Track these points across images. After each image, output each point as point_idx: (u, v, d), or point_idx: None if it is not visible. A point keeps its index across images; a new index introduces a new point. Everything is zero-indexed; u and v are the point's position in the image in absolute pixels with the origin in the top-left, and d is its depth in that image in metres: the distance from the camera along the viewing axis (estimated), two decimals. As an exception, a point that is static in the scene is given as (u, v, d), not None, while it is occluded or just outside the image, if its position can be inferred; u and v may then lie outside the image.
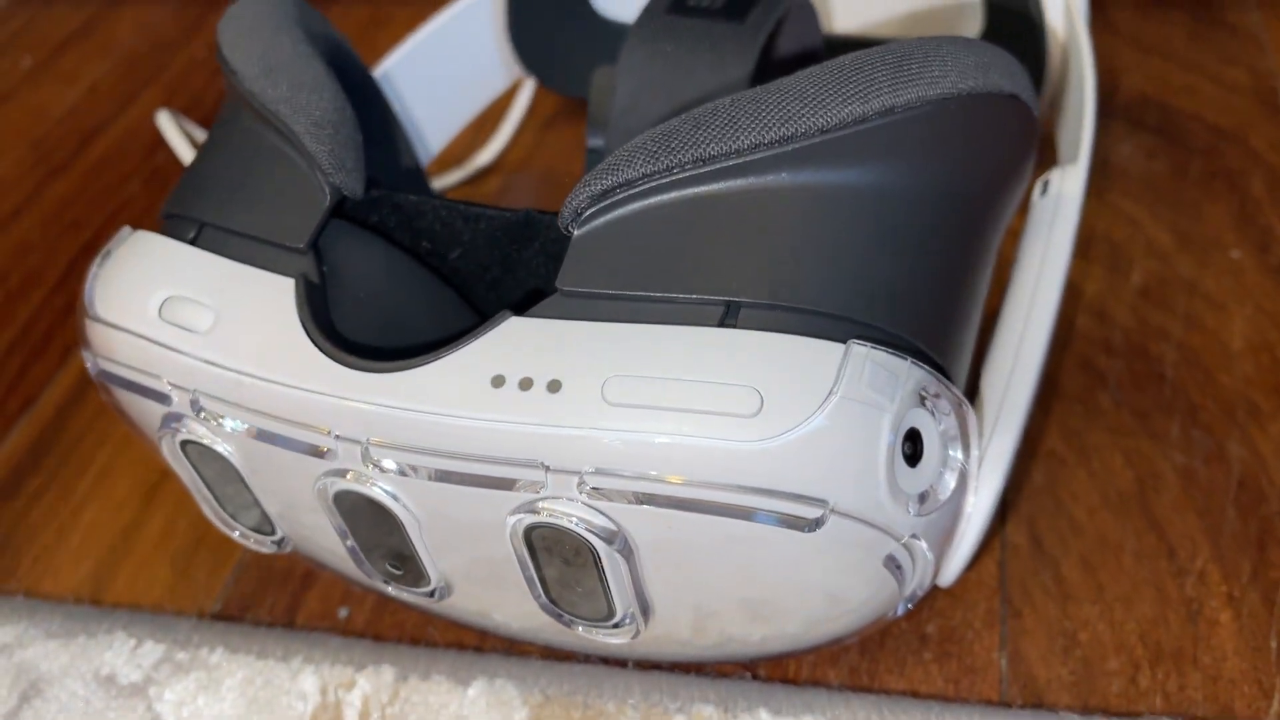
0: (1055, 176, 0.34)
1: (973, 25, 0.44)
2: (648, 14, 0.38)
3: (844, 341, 0.24)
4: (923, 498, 0.25)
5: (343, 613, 0.33)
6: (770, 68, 0.44)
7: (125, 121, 0.55)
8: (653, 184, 0.25)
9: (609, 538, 0.24)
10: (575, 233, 0.25)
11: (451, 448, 0.24)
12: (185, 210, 0.29)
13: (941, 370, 0.26)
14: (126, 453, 0.39)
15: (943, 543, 0.26)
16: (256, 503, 0.29)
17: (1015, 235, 0.34)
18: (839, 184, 0.25)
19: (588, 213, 0.25)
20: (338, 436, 0.25)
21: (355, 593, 0.34)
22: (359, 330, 0.28)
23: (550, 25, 0.46)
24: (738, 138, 0.25)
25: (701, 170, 0.25)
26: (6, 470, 0.39)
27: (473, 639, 0.32)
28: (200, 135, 0.43)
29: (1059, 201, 0.33)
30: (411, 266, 0.31)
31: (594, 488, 0.24)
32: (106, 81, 0.58)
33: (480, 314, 0.32)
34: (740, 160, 0.25)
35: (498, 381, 0.24)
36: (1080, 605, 0.32)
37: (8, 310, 0.46)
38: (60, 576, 0.36)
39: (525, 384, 0.24)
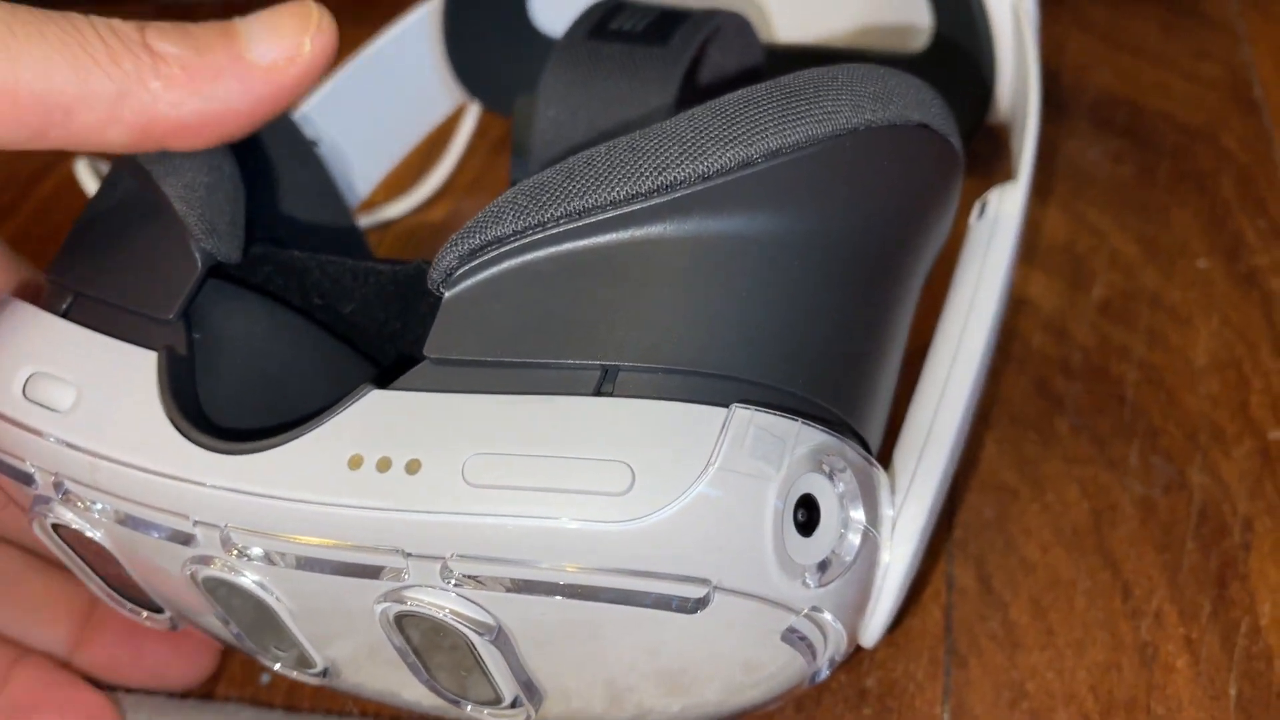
0: (994, 197, 0.33)
1: (920, 35, 0.42)
2: (568, 40, 0.36)
3: (727, 405, 0.22)
4: (823, 566, 0.23)
5: (265, 679, 0.32)
6: (701, 90, 0.43)
7: (57, 174, 0.54)
8: (525, 240, 0.23)
9: (480, 628, 0.23)
10: (445, 294, 0.24)
11: (311, 534, 0.23)
12: (61, 277, 0.27)
13: (847, 426, 0.25)
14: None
15: (854, 607, 0.25)
16: (137, 584, 0.28)
17: (950, 261, 0.32)
18: (723, 233, 0.23)
19: (458, 273, 0.24)
20: (197, 522, 0.24)
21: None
22: (240, 400, 0.26)
23: (491, 46, 0.45)
24: (613, 188, 0.23)
25: (576, 224, 0.23)
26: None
27: (391, 709, 0.31)
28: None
29: (995, 225, 0.32)
30: (299, 324, 0.30)
31: (462, 574, 0.22)
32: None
33: (379, 368, 0.31)
34: (617, 212, 0.23)
35: (355, 462, 0.23)
36: (1029, 653, 0.30)
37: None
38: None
39: (383, 464, 0.22)
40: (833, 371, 0.25)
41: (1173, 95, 0.46)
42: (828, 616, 0.24)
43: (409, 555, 0.22)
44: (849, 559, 0.24)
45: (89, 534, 0.26)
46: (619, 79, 0.35)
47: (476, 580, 0.22)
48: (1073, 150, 0.44)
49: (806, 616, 0.23)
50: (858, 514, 0.24)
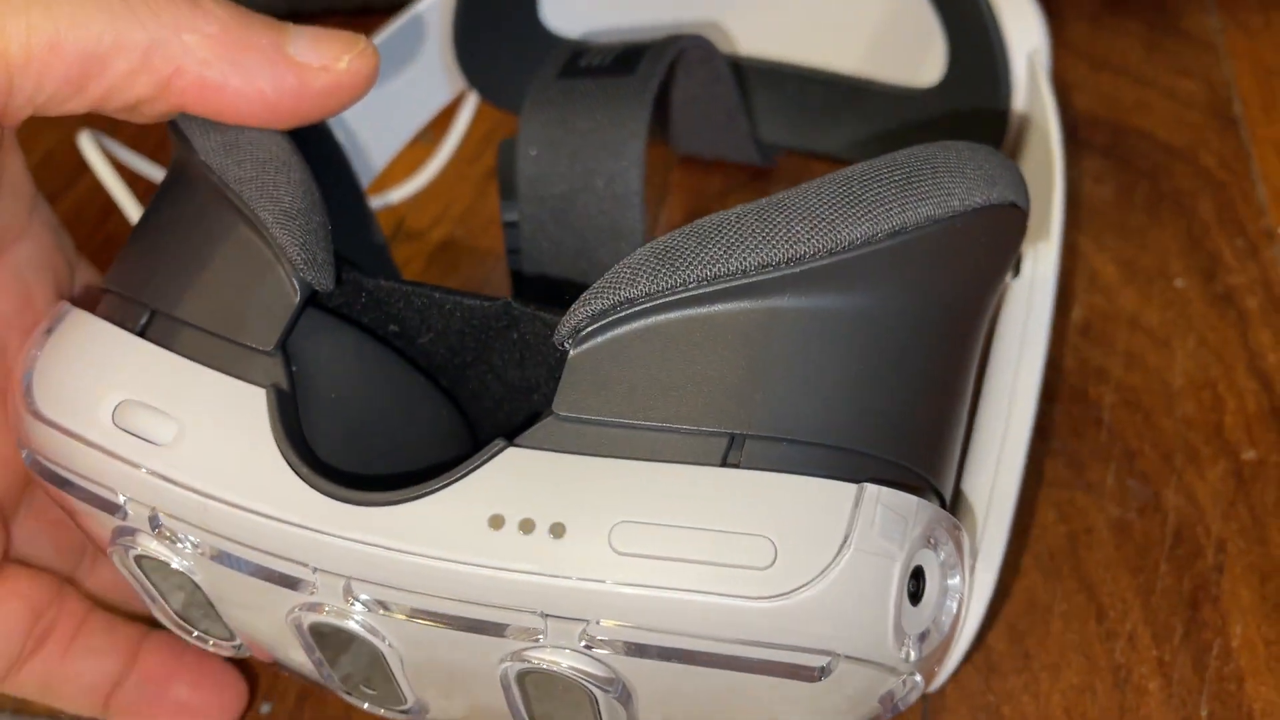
0: (1028, 257, 0.34)
1: (930, 70, 0.42)
2: (540, 82, 0.37)
3: (854, 480, 0.23)
4: (923, 635, 0.24)
5: (265, 708, 0.33)
6: (672, 112, 0.44)
7: (80, 189, 0.55)
8: (655, 302, 0.24)
9: (608, 686, 0.23)
10: (572, 352, 0.24)
11: (443, 591, 0.23)
12: (133, 291, 0.27)
13: (934, 489, 0.26)
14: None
15: (937, 664, 0.26)
16: (219, 615, 0.28)
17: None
18: (844, 308, 0.24)
19: (586, 330, 0.24)
20: (317, 570, 0.24)
21: (279, 683, 0.34)
22: (329, 436, 0.26)
23: (498, 41, 0.45)
24: (744, 257, 0.24)
25: (705, 290, 0.24)
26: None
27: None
28: (128, 158, 0.42)
29: (1032, 290, 0.33)
30: (385, 357, 0.30)
31: (601, 638, 0.23)
32: (60, 150, 0.58)
33: (450, 398, 0.31)
34: (746, 280, 0.24)
35: (496, 522, 0.23)
36: (1005, 677, 0.31)
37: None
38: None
39: (526, 526, 0.23)
40: (928, 439, 0.25)
41: (1153, 114, 0.46)
42: (918, 678, 0.24)
43: (547, 617, 0.23)
44: (945, 627, 0.25)
45: (178, 565, 0.26)
46: (594, 111, 0.36)
47: (609, 644, 0.23)
48: (1054, 171, 0.45)
49: (903, 680, 0.24)
50: (954, 581, 0.25)
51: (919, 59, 0.43)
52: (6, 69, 0.25)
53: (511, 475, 0.23)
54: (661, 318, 0.24)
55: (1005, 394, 0.31)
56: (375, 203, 0.43)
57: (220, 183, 0.26)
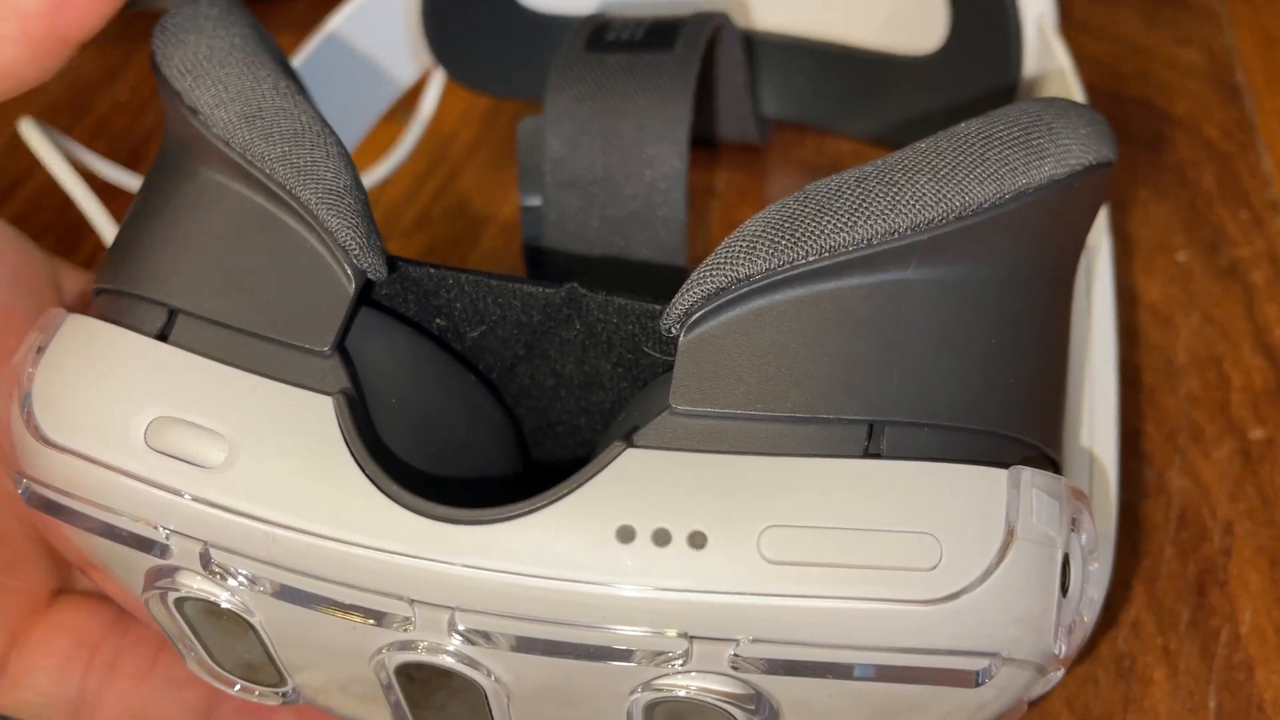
0: None
1: (930, 34, 0.41)
2: (566, 55, 0.35)
3: (1001, 465, 0.21)
4: (1070, 628, 0.22)
5: None
6: (701, 95, 0.42)
7: (43, 174, 0.54)
8: (776, 278, 0.21)
9: (755, 709, 0.21)
10: (684, 338, 0.21)
11: (570, 616, 0.20)
12: (142, 288, 0.23)
13: (1058, 467, 0.24)
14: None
15: (1071, 659, 0.23)
16: (273, 660, 0.24)
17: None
18: (970, 278, 0.22)
19: (699, 314, 0.21)
20: (414, 602, 0.21)
21: None
22: (398, 444, 0.23)
23: (469, 17, 0.43)
24: (869, 223, 0.21)
25: (828, 262, 0.21)
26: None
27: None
28: (75, 151, 0.40)
29: (1089, 252, 0.32)
30: (439, 356, 0.26)
31: (744, 656, 0.20)
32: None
33: (498, 399, 0.28)
34: (871, 250, 0.21)
35: (625, 535, 0.20)
36: (1003, 666, 0.30)
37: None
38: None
39: (661, 537, 0.20)
40: (1050, 413, 0.24)
41: (1154, 84, 0.45)
42: (1060, 673, 0.22)
43: (693, 639, 0.20)
44: (1088, 617, 0.23)
45: (229, 605, 0.22)
46: (631, 88, 0.33)
47: (757, 663, 0.20)
48: (1051, 143, 0.43)
49: (1049, 676, 0.22)
50: (1095, 568, 0.23)
51: (921, 24, 0.41)
52: None
53: (637, 480, 0.20)
54: (783, 295, 0.21)
55: (1083, 361, 0.29)
56: None
57: (244, 160, 0.23)
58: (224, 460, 0.21)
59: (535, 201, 0.35)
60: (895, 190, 0.22)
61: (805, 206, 0.22)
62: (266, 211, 0.23)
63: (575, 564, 0.20)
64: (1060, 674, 0.22)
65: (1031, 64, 0.38)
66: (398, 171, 0.46)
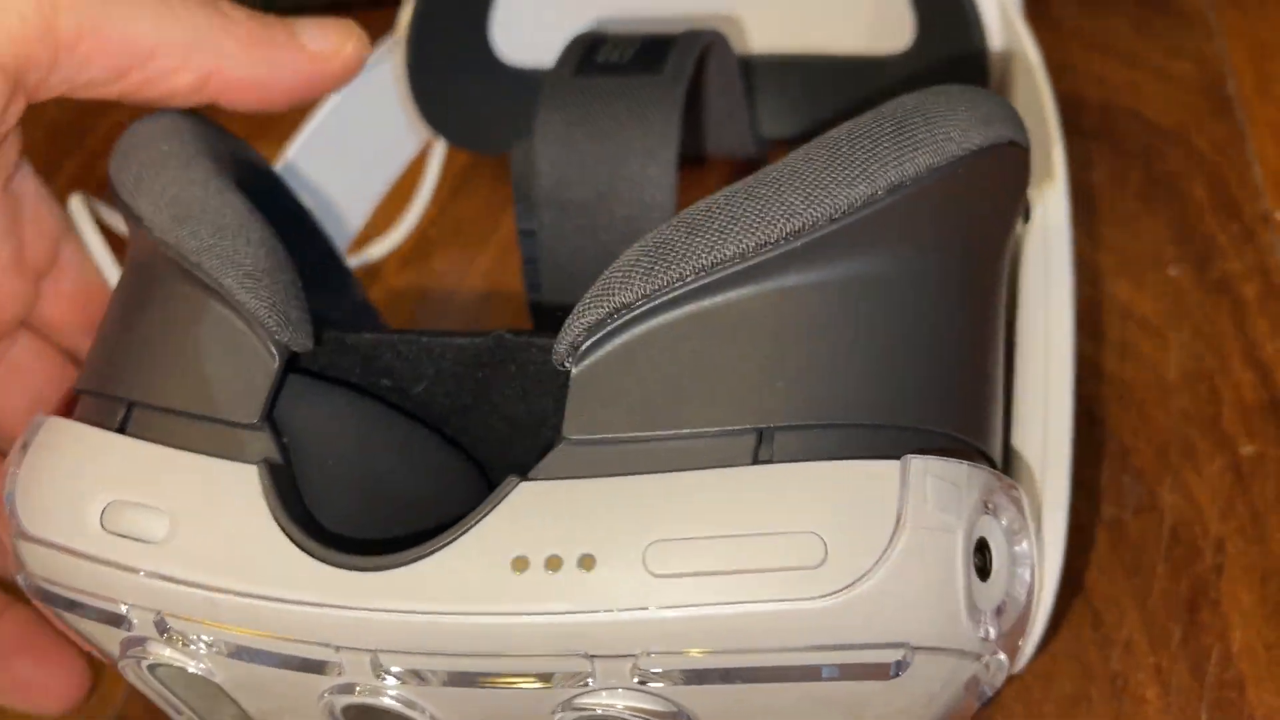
0: (1036, 201, 0.32)
1: (901, 31, 0.41)
2: (555, 79, 0.35)
3: (896, 457, 0.21)
4: (999, 609, 0.23)
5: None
6: (694, 112, 0.42)
7: (61, 180, 0.54)
8: (654, 303, 0.22)
9: None
10: (574, 370, 0.23)
11: (476, 648, 0.22)
12: (106, 388, 0.25)
13: (982, 454, 0.24)
14: None
15: (1018, 638, 0.24)
16: (245, 713, 0.26)
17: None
18: (854, 276, 0.23)
19: (585, 345, 0.23)
20: (340, 649, 0.22)
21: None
22: (334, 506, 0.24)
23: (454, 79, 0.44)
24: (740, 239, 0.22)
25: (705, 280, 0.22)
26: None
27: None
28: (117, 223, 0.41)
29: (1047, 233, 0.31)
30: (380, 412, 0.28)
31: (652, 670, 0.21)
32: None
33: (457, 446, 0.29)
34: (745, 264, 0.22)
35: (520, 564, 0.21)
36: (996, 687, 0.30)
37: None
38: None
39: (553, 564, 0.21)
40: (967, 401, 0.24)
41: (1144, 95, 0.45)
42: (1001, 657, 0.23)
43: (593, 658, 0.21)
44: (1021, 598, 0.23)
45: (194, 668, 0.24)
46: (619, 112, 0.34)
47: (664, 676, 0.21)
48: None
49: (985, 663, 0.23)
50: (1022, 548, 0.23)
51: (889, 24, 0.41)
52: (54, 45, 0.27)
53: (529, 512, 0.22)
54: (663, 318, 0.22)
55: (1039, 344, 0.29)
56: (354, 261, 0.42)
57: (178, 256, 0.25)
58: (166, 534, 0.23)
59: (530, 225, 0.35)
60: (763, 204, 0.22)
61: (678, 231, 0.23)
62: (200, 300, 0.25)
63: (474, 597, 0.21)
64: (1004, 659, 0.23)
65: (999, 46, 0.39)
66: (390, 194, 0.46)
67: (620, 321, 0.23)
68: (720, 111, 0.43)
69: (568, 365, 0.23)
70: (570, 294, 0.35)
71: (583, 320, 0.23)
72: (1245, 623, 0.30)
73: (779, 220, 0.22)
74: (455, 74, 0.44)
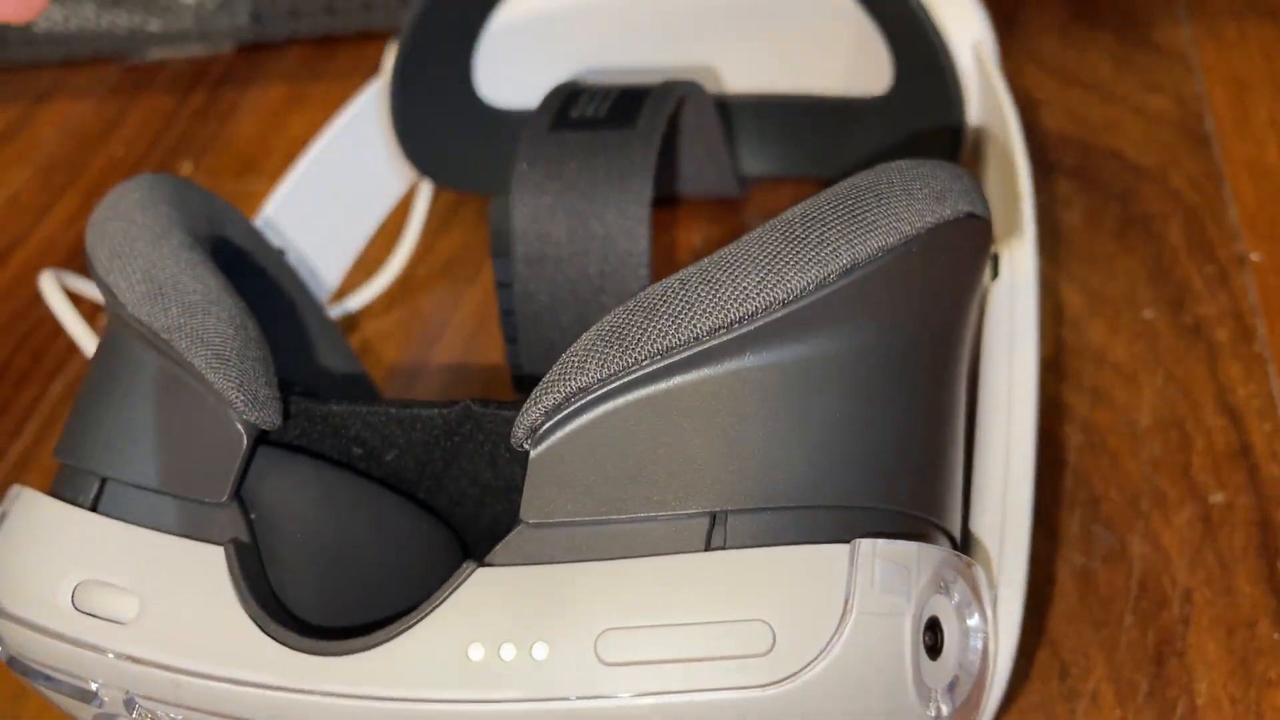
0: (1004, 256, 0.33)
1: (881, 75, 0.42)
2: (532, 135, 0.36)
3: (848, 538, 0.22)
4: (952, 685, 0.23)
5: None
6: (673, 157, 0.42)
7: (42, 232, 0.54)
8: (610, 387, 0.23)
9: None
10: (533, 453, 0.23)
11: None
12: (81, 462, 0.26)
13: (939, 528, 0.25)
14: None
15: (974, 707, 0.24)
16: None
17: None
18: (808, 357, 0.23)
19: (543, 428, 0.23)
20: None
21: None
22: (300, 579, 0.25)
23: (438, 122, 0.45)
24: (695, 323, 0.23)
25: (660, 364, 0.23)
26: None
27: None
28: (89, 292, 0.42)
29: (1014, 290, 0.32)
30: (349, 482, 0.29)
31: None
32: (28, 190, 0.57)
33: (428, 508, 0.30)
34: (701, 348, 0.23)
35: (473, 653, 0.22)
36: (964, 740, 0.30)
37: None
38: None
39: (506, 652, 0.22)
40: (924, 476, 0.25)
41: (1123, 133, 0.45)
42: None
43: None
44: (974, 672, 0.24)
45: None
46: (593, 168, 0.35)
47: None
48: (1022, 195, 0.44)
49: None
50: (974, 621, 0.24)
51: (870, 68, 0.42)
52: None
53: (485, 599, 0.22)
54: (619, 401, 0.23)
55: (1002, 408, 0.30)
56: (335, 310, 0.43)
57: (150, 334, 0.26)
58: (135, 615, 0.24)
59: (507, 277, 0.36)
60: (717, 288, 0.23)
61: (634, 315, 0.23)
62: (171, 377, 0.26)
63: (429, 684, 0.22)
64: None
65: (975, 94, 0.40)
66: (378, 232, 0.46)
67: (577, 405, 0.23)
68: (699, 154, 0.43)
69: (526, 447, 0.23)
70: (546, 345, 0.36)
71: (540, 404, 0.23)
72: (1210, 676, 0.31)
73: (732, 305, 0.23)
74: (440, 115, 0.44)
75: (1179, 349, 0.38)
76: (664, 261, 0.44)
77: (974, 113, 0.40)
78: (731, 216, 0.45)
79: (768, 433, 0.23)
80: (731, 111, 0.45)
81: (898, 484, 0.24)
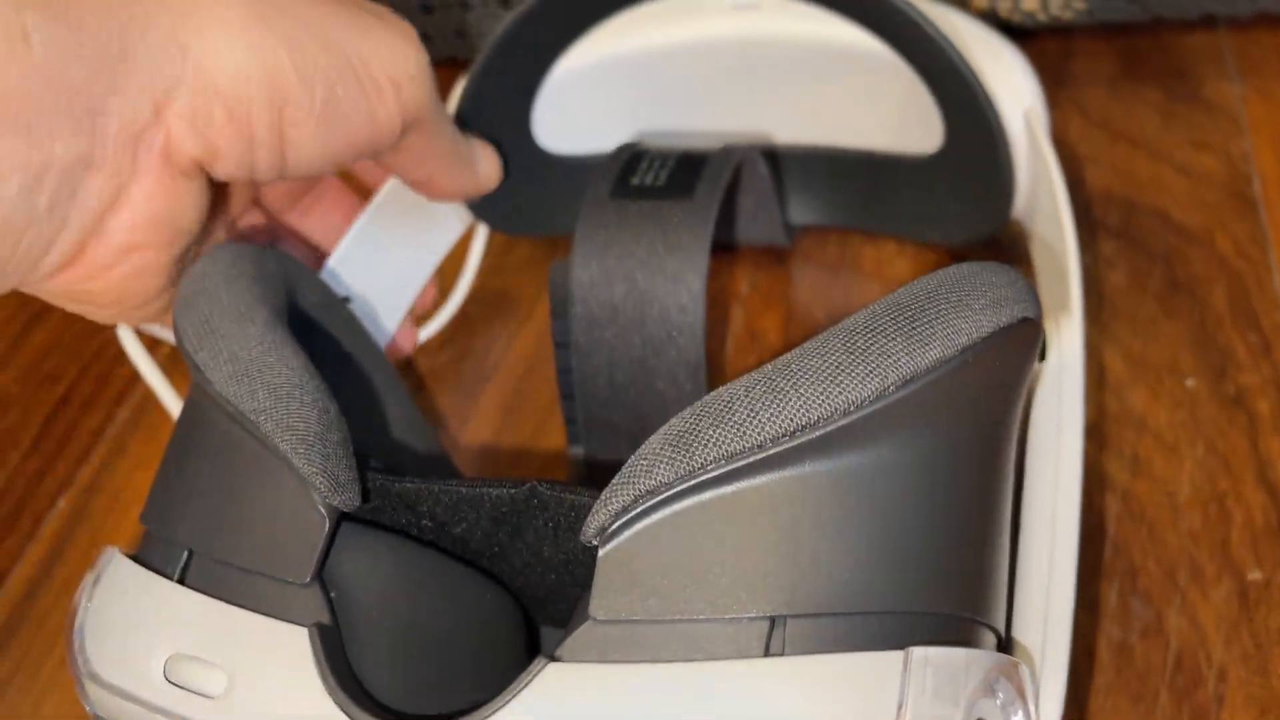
0: (1052, 337, 0.34)
1: (932, 135, 0.42)
2: (593, 200, 0.37)
3: (902, 645, 0.23)
4: None
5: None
6: (727, 210, 0.43)
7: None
8: (676, 489, 0.24)
9: None
10: (601, 551, 0.24)
11: None
12: (168, 531, 0.28)
13: (992, 630, 0.26)
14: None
15: None
16: None
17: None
18: (867, 465, 0.24)
19: (612, 528, 0.24)
20: None
21: None
22: (377, 654, 0.27)
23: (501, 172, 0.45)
24: (760, 430, 0.24)
25: (725, 469, 0.24)
26: (-30, 666, 0.40)
27: None
28: (162, 335, 0.43)
29: (1061, 376, 0.33)
30: (419, 556, 0.30)
31: None
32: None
33: (492, 577, 0.31)
34: (764, 454, 0.24)
35: None
36: (1000, 812, 0.31)
37: (-20, 480, 0.46)
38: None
39: None
40: (975, 579, 0.26)
41: (1169, 191, 0.46)
42: None
43: None
44: None
45: None
46: (652, 238, 0.36)
47: None
48: (1067, 253, 0.44)
49: None
50: (1018, 718, 0.25)
51: (921, 128, 0.43)
52: (395, 139, 0.34)
53: (556, 695, 0.24)
54: (685, 503, 0.24)
55: (1048, 494, 0.31)
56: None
57: (237, 414, 0.27)
58: (224, 690, 0.25)
59: (564, 337, 0.37)
60: (781, 397, 0.24)
61: (701, 420, 0.24)
62: (257, 459, 0.27)
63: None
64: None
65: (1024, 162, 0.40)
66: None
67: (644, 506, 0.24)
68: (751, 207, 0.44)
69: (595, 545, 0.25)
70: (600, 406, 0.37)
71: (610, 506, 0.24)
72: (1243, 755, 0.32)
73: (796, 414, 0.24)
74: (501, 166, 0.45)
75: (1220, 420, 0.39)
76: (711, 306, 0.45)
77: (1023, 179, 0.41)
78: (778, 265, 0.46)
79: (827, 539, 0.24)
80: (782, 162, 0.46)
81: (950, 588, 0.25)
